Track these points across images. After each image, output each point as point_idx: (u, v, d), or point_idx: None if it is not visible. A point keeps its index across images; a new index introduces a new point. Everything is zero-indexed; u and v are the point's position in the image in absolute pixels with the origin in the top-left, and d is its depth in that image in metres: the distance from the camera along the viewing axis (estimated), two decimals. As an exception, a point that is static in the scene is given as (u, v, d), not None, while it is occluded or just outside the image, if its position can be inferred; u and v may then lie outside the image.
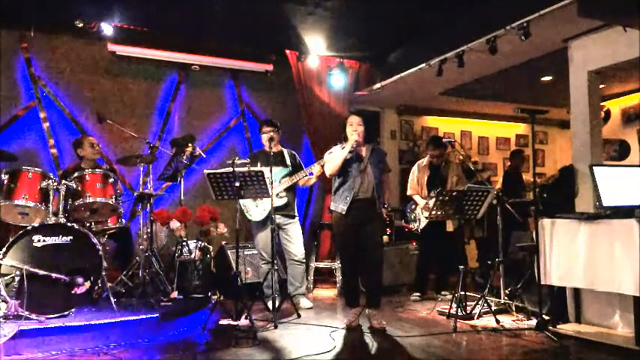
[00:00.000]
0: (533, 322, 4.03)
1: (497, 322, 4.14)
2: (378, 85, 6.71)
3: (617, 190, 3.73)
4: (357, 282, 4.31)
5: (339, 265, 5.47)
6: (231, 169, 4.03)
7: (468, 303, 4.42)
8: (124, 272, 4.44)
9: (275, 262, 4.35)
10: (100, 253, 3.81)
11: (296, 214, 4.96)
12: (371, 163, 4.13)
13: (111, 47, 5.92)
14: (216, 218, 5.16)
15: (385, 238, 6.10)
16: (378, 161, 4.19)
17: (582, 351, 3.51)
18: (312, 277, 5.88)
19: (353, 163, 4.12)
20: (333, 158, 4.16)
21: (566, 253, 3.76)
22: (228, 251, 5.29)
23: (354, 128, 4.12)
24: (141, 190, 4.69)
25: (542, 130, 9.13)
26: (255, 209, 4.77)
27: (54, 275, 3.59)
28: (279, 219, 4.70)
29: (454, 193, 4.31)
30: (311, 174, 4.76)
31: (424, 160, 5.51)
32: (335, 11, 5.46)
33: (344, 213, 4.07)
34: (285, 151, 4.96)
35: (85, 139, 4.92)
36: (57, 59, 5.90)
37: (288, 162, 4.89)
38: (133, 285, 4.39)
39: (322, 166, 4.64)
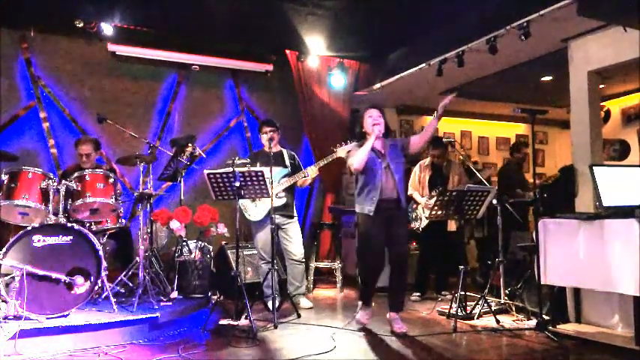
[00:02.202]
0: (533, 322, 4.03)
1: (497, 322, 4.14)
2: (378, 85, 6.70)
3: (617, 190, 3.73)
4: (376, 284, 4.15)
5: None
6: (231, 169, 4.03)
7: (468, 303, 4.43)
8: (124, 272, 4.44)
9: (275, 261, 4.36)
10: (100, 253, 3.81)
11: (295, 214, 4.96)
12: (391, 160, 3.96)
13: (111, 47, 5.92)
14: (216, 218, 5.16)
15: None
16: (396, 155, 4.01)
17: (582, 351, 3.51)
18: (312, 277, 5.88)
19: (376, 160, 3.95)
20: (357, 153, 3.94)
21: (566, 253, 3.76)
22: (228, 251, 5.30)
23: (375, 120, 3.97)
24: (141, 190, 4.69)
25: (542, 130, 9.12)
26: (253, 209, 4.77)
27: (54, 275, 3.59)
28: (278, 219, 4.70)
29: (454, 193, 4.31)
30: (308, 175, 4.76)
31: (426, 160, 5.52)
32: (335, 11, 5.47)
33: (371, 214, 3.87)
34: (285, 152, 4.97)
35: (79, 147, 4.87)
36: (57, 59, 5.90)
37: (288, 162, 4.89)
38: (133, 285, 4.39)
39: (319, 169, 4.74)
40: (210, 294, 4.78)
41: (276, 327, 4.03)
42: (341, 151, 4.55)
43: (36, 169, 3.98)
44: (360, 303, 4.17)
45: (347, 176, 7.43)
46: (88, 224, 4.24)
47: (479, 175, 5.11)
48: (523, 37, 4.60)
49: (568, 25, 4.61)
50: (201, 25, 5.82)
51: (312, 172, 4.73)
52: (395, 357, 3.41)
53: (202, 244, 5.11)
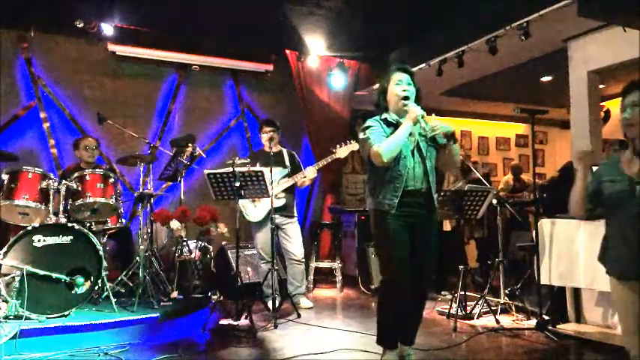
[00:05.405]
0: (533, 322, 4.03)
1: (497, 322, 4.13)
2: (378, 85, 6.70)
3: (617, 190, 3.73)
4: (404, 311, 2.92)
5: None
6: (231, 169, 4.03)
7: (468, 303, 4.43)
8: (124, 272, 4.44)
9: (275, 261, 4.36)
10: (100, 253, 3.81)
11: (295, 213, 4.95)
12: (423, 141, 2.97)
13: (111, 47, 5.92)
14: (216, 218, 5.16)
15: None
16: (431, 138, 2.97)
17: (582, 351, 3.52)
18: (312, 277, 5.89)
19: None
20: (389, 140, 2.85)
21: (566, 253, 3.76)
22: (228, 251, 5.30)
23: (403, 88, 2.97)
24: (141, 190, 4.69)
25: (542, 130, 9.13)
26: (253, 210, 4.76)
27: (54, 275, 3.59)
28: (277, 219, 4.69)
29: (448, 193, 4.31)
30: (307, 176, 4.76)
31: None
32: (335, 11, 5.47)
33: (393, 211, 2.82)
34: (285, 152, 4.96)
35: (81, 142, 4.86)
36: (57, 59, 5.90)
37: (287, 163, 4.88)
38: (133, 285, 4.39)
39: (318, 169, 4.73)
40: (210, 294, 4.78)
41: (276, 327, 4.03)
42: (341, 152, 4.55)
43: (36, 169, 3.98)
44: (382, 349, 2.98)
45: (347, 176, 7.46)
46: (88, 224, 4.24)
47: (476, 172, 5.10)
48: (523, 37, 4.61)
49: (568, 25, 4.62)
50: (201, 25, 5.82)
51: (310, 172, 4.72)
52: (395, 357, 3.41)
53: (202, 244, 5.11)
